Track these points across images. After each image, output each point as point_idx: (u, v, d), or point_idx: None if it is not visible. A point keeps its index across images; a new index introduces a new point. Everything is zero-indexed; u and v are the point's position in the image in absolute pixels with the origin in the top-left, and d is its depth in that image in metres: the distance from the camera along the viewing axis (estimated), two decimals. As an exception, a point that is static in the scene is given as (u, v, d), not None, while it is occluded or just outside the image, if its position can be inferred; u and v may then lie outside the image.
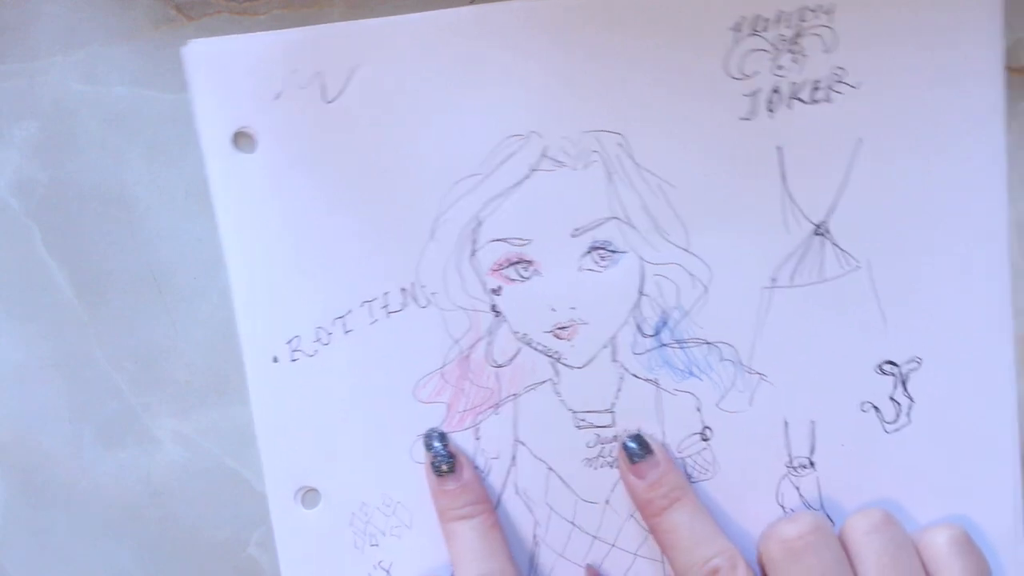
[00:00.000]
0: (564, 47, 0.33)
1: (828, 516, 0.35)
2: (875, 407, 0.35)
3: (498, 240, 0.34)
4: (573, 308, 0.34)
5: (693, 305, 0.34)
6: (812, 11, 0.32)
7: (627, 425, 0.35)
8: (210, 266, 0.36)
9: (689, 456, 0.35)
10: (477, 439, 0.35)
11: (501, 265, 0.34)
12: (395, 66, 0.33)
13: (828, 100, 0.33)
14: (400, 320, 0.35)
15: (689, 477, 0.35)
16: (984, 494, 0.35)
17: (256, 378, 0.35)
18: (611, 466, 0.35)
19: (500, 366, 0.35)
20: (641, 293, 0.34)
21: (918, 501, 0.35)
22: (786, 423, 0.35)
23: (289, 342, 0.35)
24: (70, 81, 0.35)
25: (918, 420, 0.34)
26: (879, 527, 0.33)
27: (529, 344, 0.35)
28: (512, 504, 0.36)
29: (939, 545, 0.33)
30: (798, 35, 0.32)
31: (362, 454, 0.35)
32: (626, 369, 0.35)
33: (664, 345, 0.34)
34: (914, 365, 0.34)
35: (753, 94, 0.33)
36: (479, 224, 0.34)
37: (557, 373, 0.35)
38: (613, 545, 0.36)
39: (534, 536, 0.36)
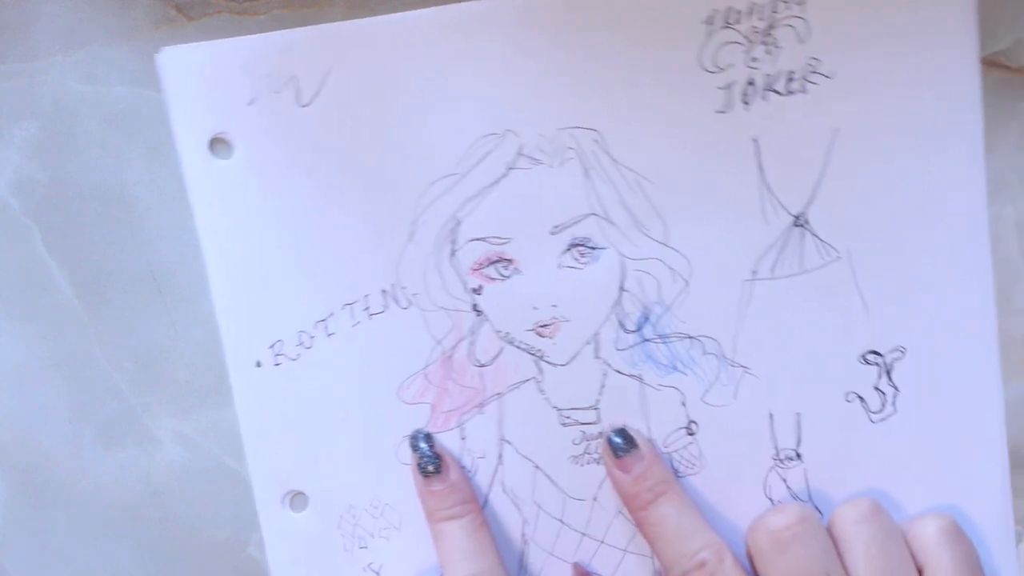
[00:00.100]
0: (537, 45, 0.33)
1: (817, 508, 0.35)
2: (860, 397, 0.34)
3: (477, 239, 0.34)
4: (554, 306, 0.34)
5: (674, 300, 0.34)
6: (784, 2, 0.32)
7: (612, 422, 0.35)
8: (210, 266, 0.36)
9: (675, 451, 0.35)
10: (463, 439, 0.35)
11: (481, 264, 0.34)
12: (369, 68, 0.33)
13: (803, 91, 0.33)
14: (382, 322, 0.35)
15: (676, 472, 0.35)
16: (972, 482, 0.35)
17: (240, 383, 0.35)
18: (598, 463, 0.35)
19: (483, 365, 0.35)
20: (622, 289, 0.34)
21: (906, 490, 0.35)
22: (771, 415, 0.35)
23: (272, 347, 0.35)
24: (70, 81, 0.35)
25: (904, 409, 0.34)
26: (867, 517, 0.33)
27: (511, 343, 0.35)
28: (500, 503, 0.36)
29: (928, 535, 0.33)
30: (771, 27, 0.32)
31: (348, 457, 0.35)
32: (609, 365, 0.35)
33: (647, 340, 0.34)
34: (898, 354, 0.34)
35: (728, 87, 0.33)
36: (458, 224, 0.34)
37: (541, 371, 0.35)
38: (602, 542, 0.35)
39: (523, 535, 0.36)
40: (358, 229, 0.34)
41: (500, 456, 0.35)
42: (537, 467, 0.35)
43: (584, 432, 0.35)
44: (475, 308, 0.35)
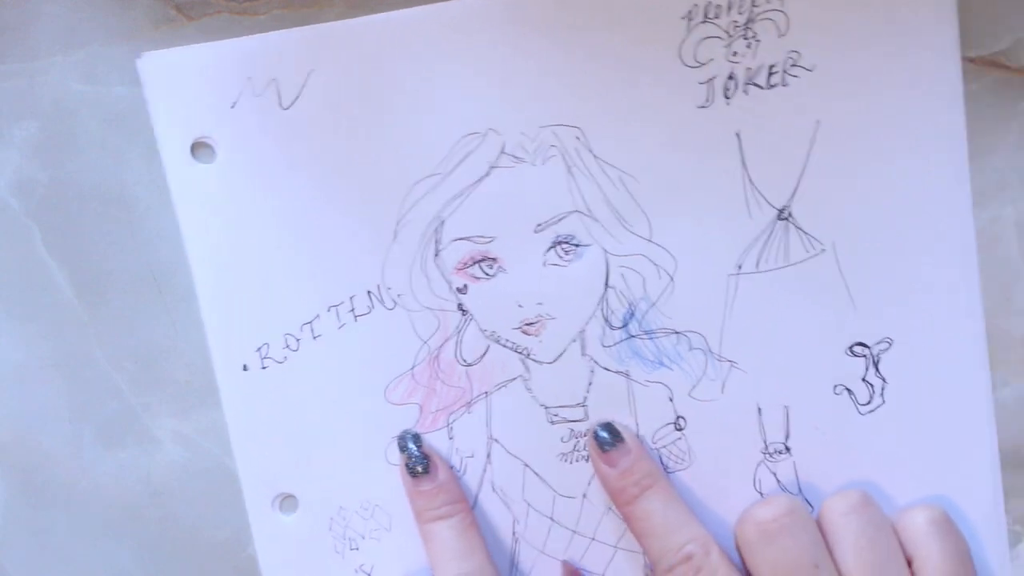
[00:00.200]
0: (517, 43, 0.33)
1: (807, 500, 0.35)
2: (848, 389, 0.34)
3: (461, 239, 0.34)
4: (540, 303, 0.34)
5: (660, 295, 0.34)
6: (763, -4, 0.32)
7: (600, 418, 0.35)
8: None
9: (664, 447, 0.35)
10: (451, 439, 0.35)
11: (465, 263, 0.34)
12: (349, 70, 0.33)
13: (784, 84, 0.33)
14: (368, 323, 0.35)
15: (665, 468, 0.35)
16: (962, 473, 0.35)
17: (228, 387, 0.35)
18: (586, 460, 0.35)
19: (470, 365, 0.35)
20: (607, 285, 0.34)
21: (896, 482, 0.35)
22: (759, 409, 0.34)
23: (259, 350, 0.35)
24: (70, 81, 0.35)
25: (892, 401, 0.34)
26: (857, 508, 0.33)
27: (498, 341, 0.35)
28: (489, 502, 0.36)
29: (918, 526, 0.33)
30: (751, 20, 0.32)
31: (337, 458, 0.35)
32: (596, 362, 0.35)
33: (633, 336, 0.34)
34: (885, 346, 0.34)
35: (709, 81, 0.33)
36: (441, 224, 0.34)
37: (527, 369, 0.35)
38: (593, 538, 0.35)
39: (513, 533, 0.36)
40: (342, 230, 0.34)
41: (489, 455, 0.35)
42: (526, 465, 0.35)
43: (572, 429, 0.35)
44: (460, 307, 0.35)
